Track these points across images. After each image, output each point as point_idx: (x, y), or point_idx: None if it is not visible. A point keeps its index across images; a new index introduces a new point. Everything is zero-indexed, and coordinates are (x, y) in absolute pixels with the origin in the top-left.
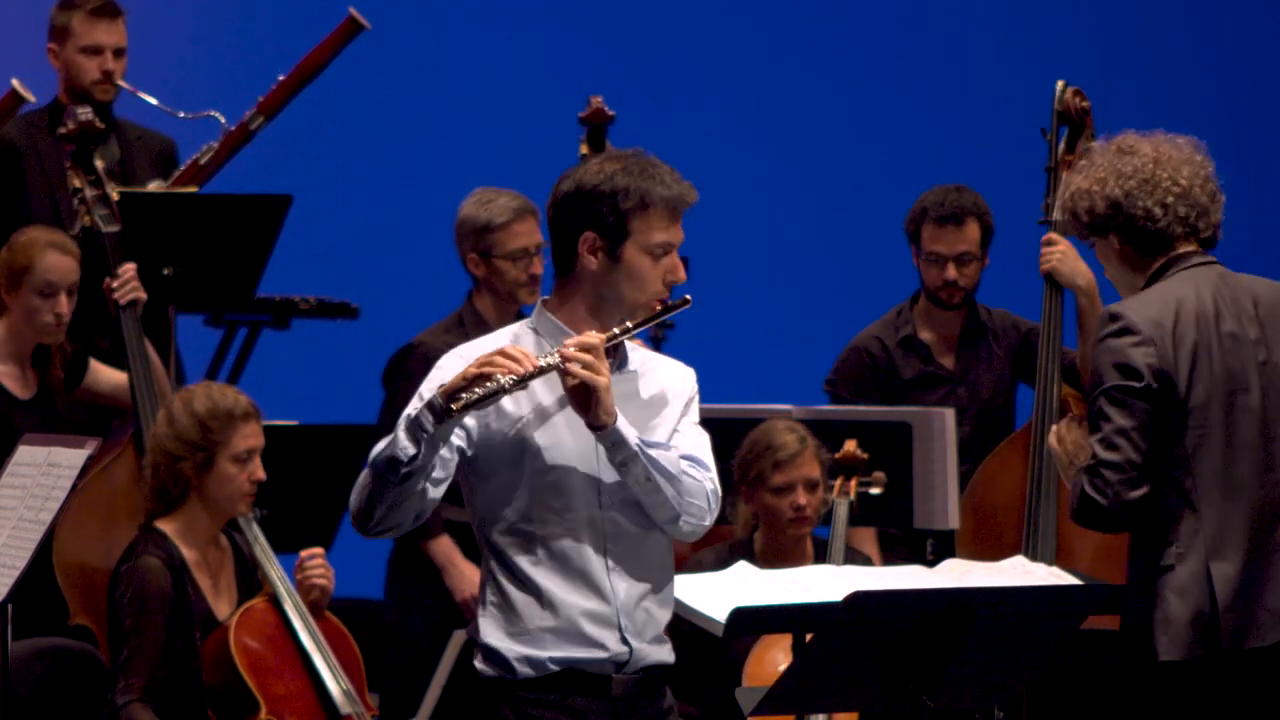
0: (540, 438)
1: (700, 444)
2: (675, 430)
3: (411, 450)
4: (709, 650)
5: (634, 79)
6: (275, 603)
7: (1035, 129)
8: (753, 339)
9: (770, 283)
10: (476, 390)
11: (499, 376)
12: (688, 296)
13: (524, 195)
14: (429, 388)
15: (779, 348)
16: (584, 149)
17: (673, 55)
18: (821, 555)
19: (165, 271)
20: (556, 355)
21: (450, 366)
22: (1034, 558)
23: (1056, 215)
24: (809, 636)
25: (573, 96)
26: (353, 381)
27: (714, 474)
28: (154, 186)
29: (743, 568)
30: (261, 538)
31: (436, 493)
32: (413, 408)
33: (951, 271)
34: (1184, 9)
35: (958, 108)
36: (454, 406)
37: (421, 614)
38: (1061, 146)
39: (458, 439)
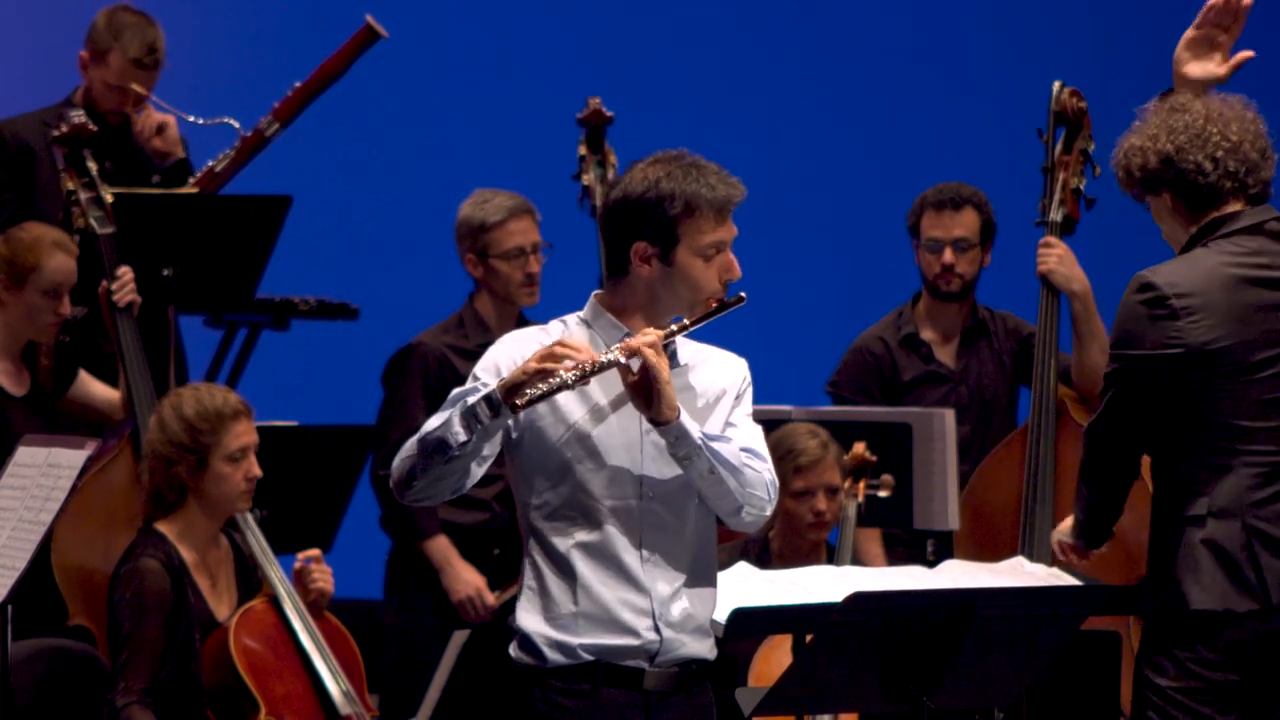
0: (586, 426)
1: (754, 435)
2: (729, 423)
3: (463, 437)
4: None
5: (632, 80)
6: (275, 603)
7: (1032, 130)
8: (752, 340)
9: (770, 284)
10: (540, 386)
11: (561, 373)
12: (742, 294)
13: (521, 195)
14: (482, 370)
15: (779, 349)
16: (582, 150)
17: (671, 56)
18: (832, 559)
19: (165, 272)
20: (617, 352)
21: (505, 353)
22: (1030, 559)
23: (1053, 216)
24: (809, 637)
25: (571, 98)
26: (353, 381)
27: (770, 465)
28: (157, 180)
29: (742, 568)
30: (261, 538)
31: (479, 471)
32: (469, 395)
33: (948, 255)
34: (1182, 8)
35: (955, 109)
36: (518, 402)
37: (421, 614)
38: (1058, 147)
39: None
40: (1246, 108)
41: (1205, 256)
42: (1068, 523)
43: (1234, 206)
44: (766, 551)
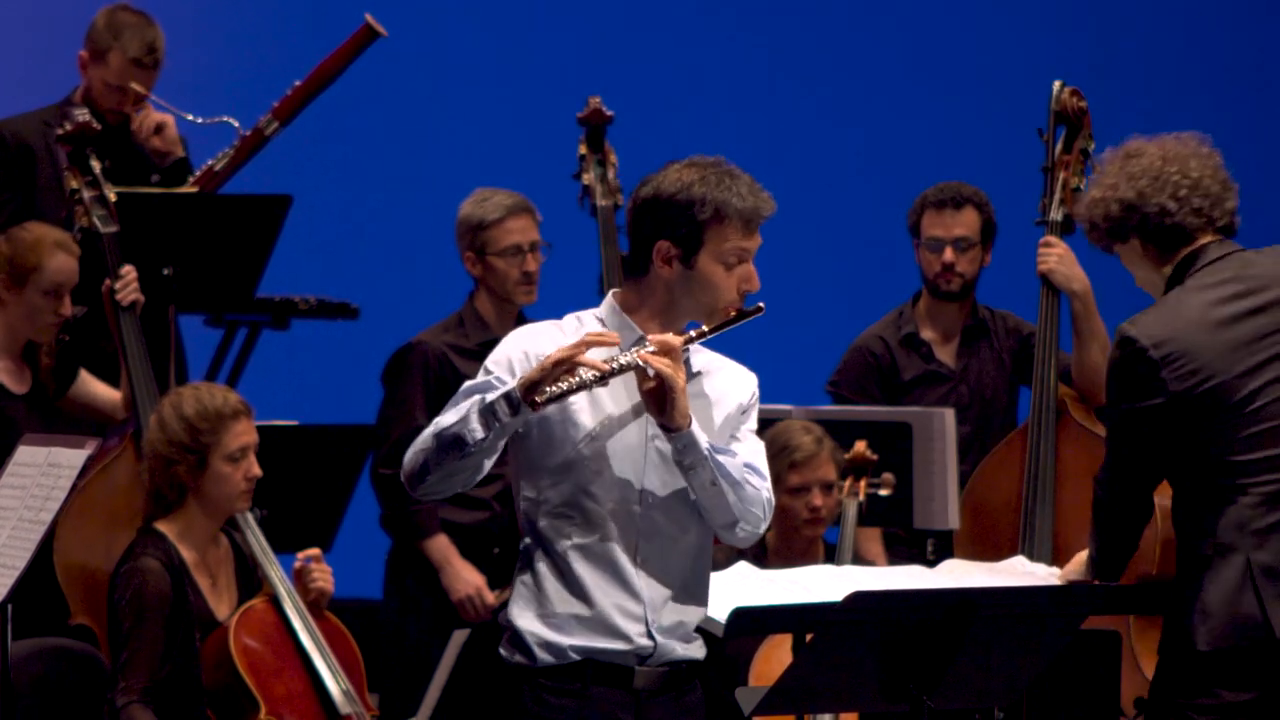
0: (594, 428)
1: (757, 451)
2: (733, 437)
3: (481, 435)
4: (707, 649)
5: (632, 79)
6: (275, 603)
7: (1032, 130)
8: (753, 339)
9: (770, 283)
10: (561, 385)
11: (582, 372)
12: (760, 305)
13: (521, 194)
14: (494, 363)
15: (779, 348)
16: (582, 149)
17: (671, 56)
18: (831, 557)
19: (165, 271)
20: (635, 355)
21: (519, 346)
22: (1031, 559)
23: (1054, 216)
24: (809, 636)
25: (571, 97)
26: (353, 381)
27: (769, 484)
28: (156, 179)
29: (743, 568)
30: (261, 538)
31: (489, 464)
32: (486, 391)
33: (949, 254)
34: (1181, 9)
35: (956, 108)
36: (538, 399)
37: (420, 614)
38: (1059, 147)
39: None
40: (1201, 144)
41: (1183, 298)
42: (1078, 561)
43: (1205, 239)
44: (763, 549)
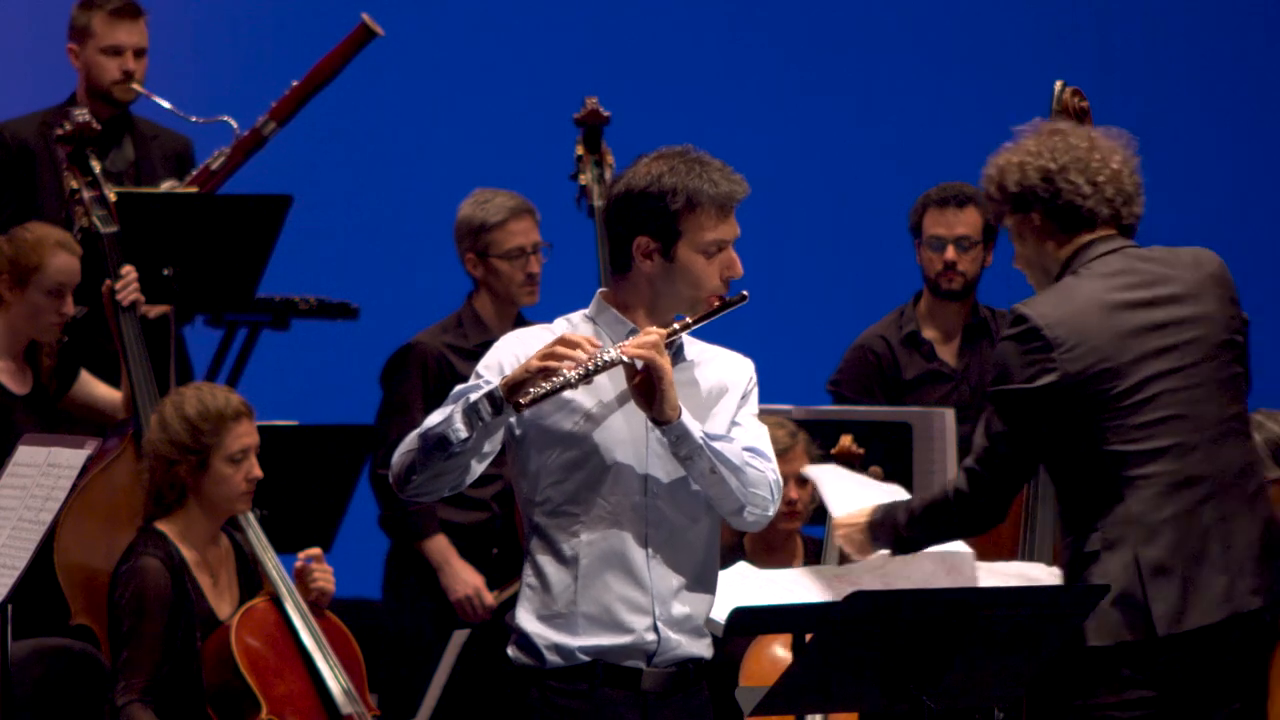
0: (591, 423)
1: (759, 435)
2: (734, 423)
3: (465, 434)
4: None
5: (629, 79)
6: (276, 602)
7: None
8: (753, 338)
9: (770, 283)
10: (544, 385)
11: (565, 371)
12: (744, 293)
13: (521, 195)
14: (485, 368)
15: (779, 348)
16: (580, 150)
17: (669, 55)
18: (813, 551)
19: (165, 271)
20: (617, 351)
21: (509, 350)
22: (1031, 557)
23: None
24: (809, 636)
25: (568, 97)
26: (352, 381)
27: (775, 464)
28: (168, 186)
29: (743, 568)
30: (262, 537)
31: (479, 468)
32: (472, 392)
33: (951, 253)
34: (1183, 9)
35: (957, 108)
36: (522, 401)
37: (420, 614)
38: None
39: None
40: (1127, 144)
41: (1077, 284)
42: (863, 515)
43: (1104, 231)
44: (740, 549)
